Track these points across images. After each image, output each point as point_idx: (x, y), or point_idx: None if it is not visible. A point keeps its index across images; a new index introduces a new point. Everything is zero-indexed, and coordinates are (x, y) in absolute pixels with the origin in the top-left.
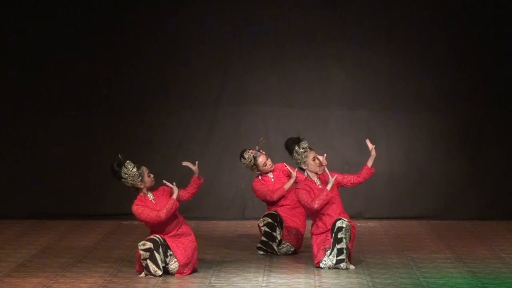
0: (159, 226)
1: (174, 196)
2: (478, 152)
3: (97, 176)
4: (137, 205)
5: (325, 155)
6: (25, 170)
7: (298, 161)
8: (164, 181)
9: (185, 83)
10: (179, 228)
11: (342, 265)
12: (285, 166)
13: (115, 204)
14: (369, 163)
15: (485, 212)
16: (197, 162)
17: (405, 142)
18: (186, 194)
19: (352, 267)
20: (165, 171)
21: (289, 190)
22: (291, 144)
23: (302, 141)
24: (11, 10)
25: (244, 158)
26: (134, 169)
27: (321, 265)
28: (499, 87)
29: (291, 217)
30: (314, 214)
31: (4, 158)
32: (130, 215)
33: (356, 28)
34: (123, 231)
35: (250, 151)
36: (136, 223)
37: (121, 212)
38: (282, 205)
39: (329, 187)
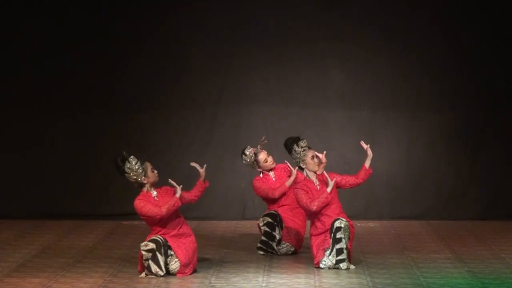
0: (160, 224)
1: (177, 195)
2: (478, 152)
3: (97, 176)
4: (139, 199)
5: (324, 152)
6: (25, 170)
7: (297, 160)
8: (170, 180)
9: (185, 83)
10: (180, 228)
11: (342, 265)
12: (287, 163)
13: (115, 204)
14: (367, 163)
15: (485, 212)
16: (205, 165)
17: (405, 142)
18: (190, 196)
19: (352, 266)
20: (165, 171)
21: (290, 190)
22: (290, 143)
23: (301, 140)
24: (11, 10)
25: (245, 155)
26: (138, 165)
27: (321, 265)
28: (499, 86)
29: (291, 217)
30: (313, 215)
31: (4, 158)
32: (130, 215)
33: (356, 28)
34: (123, 231)
35: (251, 148)
36: (136, 223)
37: (121, 212)
38: (283, 205)
39: (329, 189)
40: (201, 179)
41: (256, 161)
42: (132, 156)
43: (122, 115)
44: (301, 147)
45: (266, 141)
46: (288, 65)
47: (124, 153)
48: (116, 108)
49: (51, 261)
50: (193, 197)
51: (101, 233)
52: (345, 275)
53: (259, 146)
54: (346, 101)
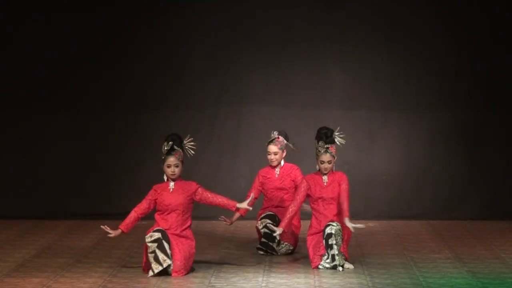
0: (166, 220)
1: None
2: (478, 152)
3: (97, 176)
4: (155, 186)
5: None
6: (25, 170)
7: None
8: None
9: (185, 83)
10: (183, 230)
11: (338, 268)
12: (298, 169)
13: (116, 204)
14: (349, 224)
15: (485, 212)
16: (250, 209)
17: (405, 142)
18: (211, 198)
19: (351, 266)
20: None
21: (288, 195)
22: (318, 135)
23: (324, 141)
24: (12, 10)
25: (273, 133)
26: (164, 153)
27: (320, 267)
28: (499, 86)
29: None
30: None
31: (4, 158)
32: None
33: (356, 28)
34: None
35: (278, 136)
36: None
37: (121, 212)
38: (278, 206)
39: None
40: (243, 206)
41: (267, 144)
42: (172, 146)
43: (122, 115)
44: (320, 147)
45: (299, 152)
46: (288, 65)
47: (186, 139)
48: (116, 108)
49: (51, 261)
50: (213, 202)
51: (101, 233)
52: (345, 275)
53: (291, 145)
54: (346, 101)
